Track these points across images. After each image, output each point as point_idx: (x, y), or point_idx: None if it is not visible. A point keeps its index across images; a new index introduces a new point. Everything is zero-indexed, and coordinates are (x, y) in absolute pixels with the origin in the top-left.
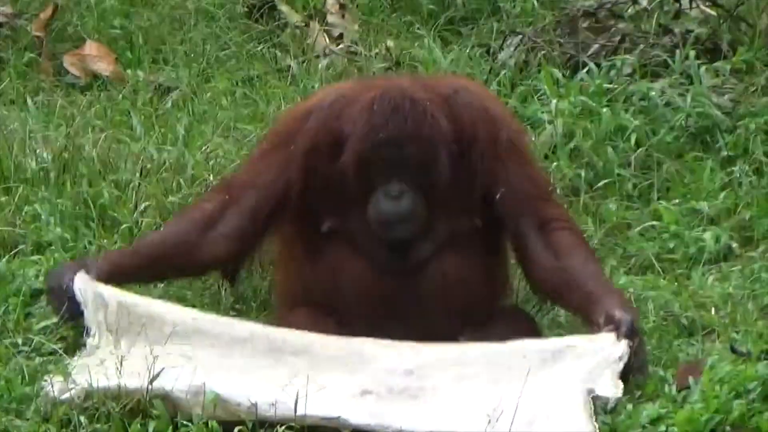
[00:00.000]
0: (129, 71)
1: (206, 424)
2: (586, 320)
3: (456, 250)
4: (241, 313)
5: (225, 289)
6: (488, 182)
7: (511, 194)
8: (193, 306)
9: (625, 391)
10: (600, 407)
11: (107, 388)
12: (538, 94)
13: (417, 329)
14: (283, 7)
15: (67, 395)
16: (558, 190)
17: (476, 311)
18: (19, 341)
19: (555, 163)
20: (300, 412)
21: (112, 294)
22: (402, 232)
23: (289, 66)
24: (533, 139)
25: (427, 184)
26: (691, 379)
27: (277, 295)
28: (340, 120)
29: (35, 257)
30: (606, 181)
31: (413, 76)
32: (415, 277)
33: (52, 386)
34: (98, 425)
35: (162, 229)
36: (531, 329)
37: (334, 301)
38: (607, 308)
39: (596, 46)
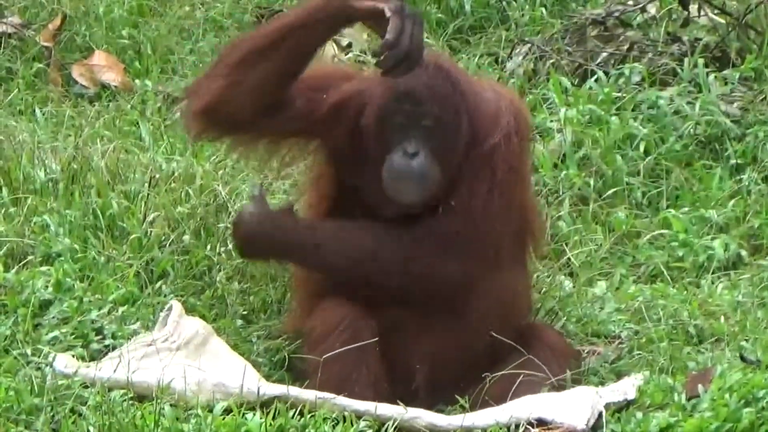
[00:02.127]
0: (137, 81)
1: (210, 410)
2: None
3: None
4: (249, 323)
5: (234, 299)
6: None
7: (461, 207)
8: (203, 316)
9: (636, 402)
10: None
11: (115, 379)
12: (547, 103)
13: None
14: None
15: (69, 370)
16: (566, 200)
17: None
18: (28, 352)
19: (564, 172)
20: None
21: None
22: (413, 193)
23: None
24: (542, 147)
25: (442, 150)
26: (700, 388)
27: (298, 285)
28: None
29: (44, 268)
30: (615, 189)
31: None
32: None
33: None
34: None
35: None
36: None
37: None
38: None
39: (605, 54)
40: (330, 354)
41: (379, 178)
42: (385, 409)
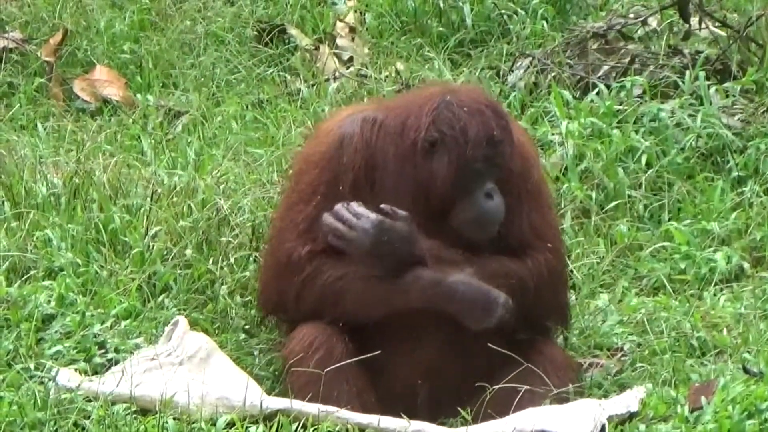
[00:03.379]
0: (139, 96)
1: (214, 423)
2: None
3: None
4: (252, 337)
5: (236, 313)
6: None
7: (520, 232)
8: (205, 331)
9: (639, 414)
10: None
11: (118, 393)
12: (549, 116)
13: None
14: (293, 31)
15: (72, 384)
16: (568, 213)
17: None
18: (31, 366)
19: (566, 185)
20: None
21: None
22: (492, 231)
23: (299, 89)
24: (544, 160)
25: (502, 183)
26: (703, 400)
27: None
28: (376, 140)
29: (47, 282)
30: (617, 202)
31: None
32: None
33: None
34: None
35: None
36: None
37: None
38: None
39: (606, 67)
40: (304, 372)
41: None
42: (388, 422)
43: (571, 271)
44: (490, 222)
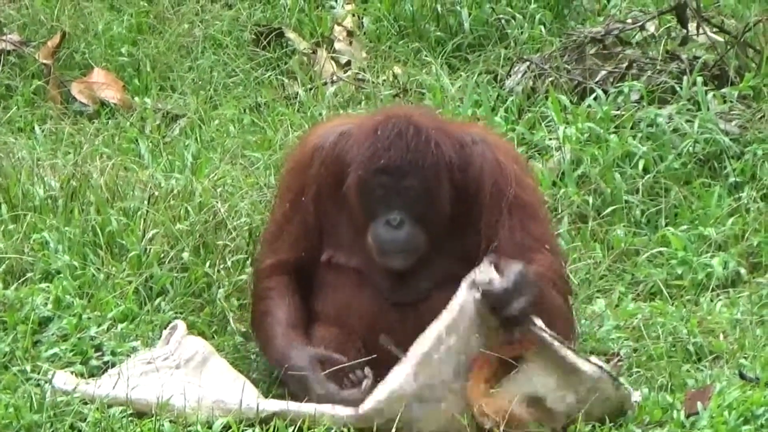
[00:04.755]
0: (137, 99)
1: (210, 426)
2: None
3: (455, 287)
4: (248, 340)
5: (233, 316)
6: (487, 233)
7: (507, 246)
8: (202, 334)
9: (635, 419)
10: None
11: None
12: (546, 121)
13: None
14: (291, 35)
15: (69, 387)
16: (565, 218)
17: None
18: (28, 368)
19: (563, 190)
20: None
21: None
22: (400, 261)
23: (297, 93)
24: (541, 165)
25: (427, 216)
26: (699, 405)
27: None
28: (344, 154)
29: (43, 285)
30: (614, 207)
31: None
32: (417, 311)
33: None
34: None
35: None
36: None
37: (340, 327)
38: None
39: (604, 72)
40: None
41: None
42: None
43: (568, 276)
44: (386, 251)
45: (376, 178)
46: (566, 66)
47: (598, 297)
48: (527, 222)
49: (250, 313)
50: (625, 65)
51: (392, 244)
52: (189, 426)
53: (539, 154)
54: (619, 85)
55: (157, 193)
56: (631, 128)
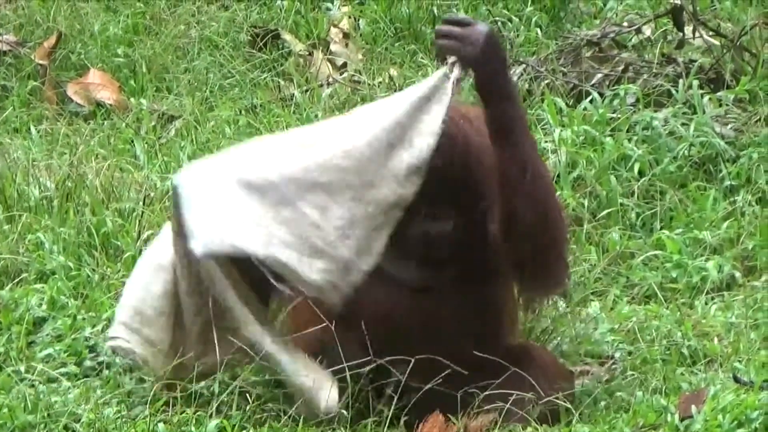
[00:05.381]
0: (132, 99)
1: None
2: None
3: (483, 273)
4: None
5: None
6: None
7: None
8: None
9: (630, 422)
10: None
11: None
12: (542, 123)
13: (431, 349)
14: (287, 36)
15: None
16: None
17: (489, 338)
18: (22, 369)
19: (558, 192)
20: None
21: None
22: (441, 252)
23: (293, 95)
24: None
25: (467, 207)
26: (693, 408)
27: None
28: None
29: (38, 285)
30: (609, 210)
31: None
32: (439, 299)
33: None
34: None
35: None
36: (560, 371)
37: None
38: None
39: (599, 75)
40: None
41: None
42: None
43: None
44: (432, 243)
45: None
46: (562, 69)
47: (592, 300)
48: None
49: None
50: (621, 68)
51: (440, 235)
52: (184, 425)
53: None
54: (615, 88)
55: (152, 194)
56: (627, 131)
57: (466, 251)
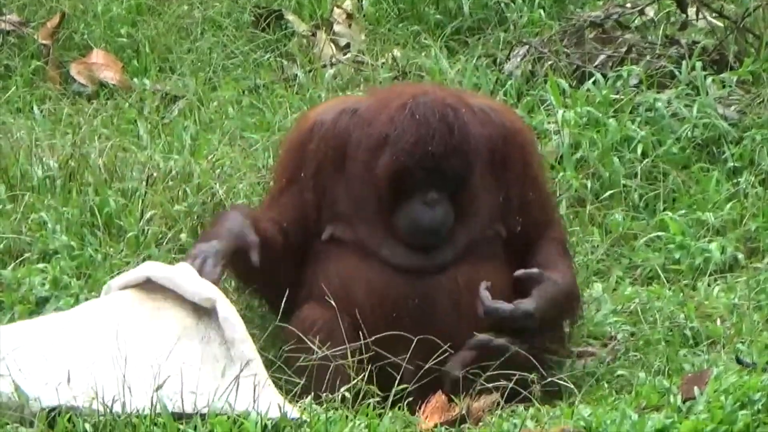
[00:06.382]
0: (136, 80)
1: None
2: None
3: (475, 257)
4: (246, 321)
5: (230, 297)
6: (515, 201)
7: (531, 217)
8: None
9: (632, 403)
10: None
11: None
12: (545, 105)
13: (430, 333)
14: (290, 17)
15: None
16: (564, 201)
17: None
18: None
19: (561, 174)
20: None
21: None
22: (433, 239)
23: (296, 75)
24: (540, 149)
25: (460, 194)
26: (696, 390)
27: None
28: (349, 131)
29: (41, 265)
30: (612, 191)
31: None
32: (433, 282)
33: None
34: None
35: None
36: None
37: (347, 305)
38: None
39: (603, 56)
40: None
41: (380, 222)
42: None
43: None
44: (424, 231)
45: (419, 163)
46: (565, 50)
47: (595, 281)
48: (542, 193)
49: None
50: (624, 49)
51: (429, 223)
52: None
53: (538, 137)
54: (618, 69)
55: (155, 175)
56: (630, 112)
57: (460, 237)
